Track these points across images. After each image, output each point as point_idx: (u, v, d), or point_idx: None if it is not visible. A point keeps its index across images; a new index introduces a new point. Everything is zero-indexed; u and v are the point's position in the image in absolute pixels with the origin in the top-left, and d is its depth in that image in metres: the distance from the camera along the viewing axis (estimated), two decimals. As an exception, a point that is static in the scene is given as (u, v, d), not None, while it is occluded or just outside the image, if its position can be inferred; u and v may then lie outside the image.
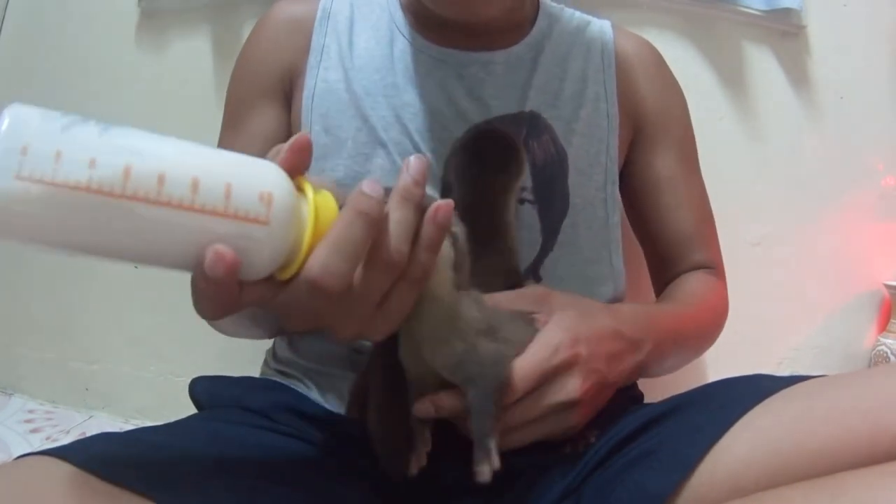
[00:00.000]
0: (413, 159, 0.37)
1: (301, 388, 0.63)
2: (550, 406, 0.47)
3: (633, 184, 0.73)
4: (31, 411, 1.02)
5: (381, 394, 0.51)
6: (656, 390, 0.64)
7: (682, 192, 0.72)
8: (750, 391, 0.47)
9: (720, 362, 0.96)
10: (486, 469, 0.42)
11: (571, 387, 0.48)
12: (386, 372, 0.51)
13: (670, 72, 0.76)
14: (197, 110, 0.97)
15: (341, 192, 0.38)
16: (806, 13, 0.93)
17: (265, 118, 0.67)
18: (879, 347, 0.94)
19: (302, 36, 0.67)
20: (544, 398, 0.47)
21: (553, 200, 0.65)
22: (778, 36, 0.95)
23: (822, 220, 0.97)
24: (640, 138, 0.72)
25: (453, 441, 0.47)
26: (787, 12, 0.92)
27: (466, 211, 0.53)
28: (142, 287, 1.02)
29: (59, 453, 0.41)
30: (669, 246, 0.72)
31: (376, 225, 0.35)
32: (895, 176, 0.97)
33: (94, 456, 0.41)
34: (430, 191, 0.62)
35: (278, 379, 0.65)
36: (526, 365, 0.46)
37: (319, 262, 0.34)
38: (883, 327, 0.96)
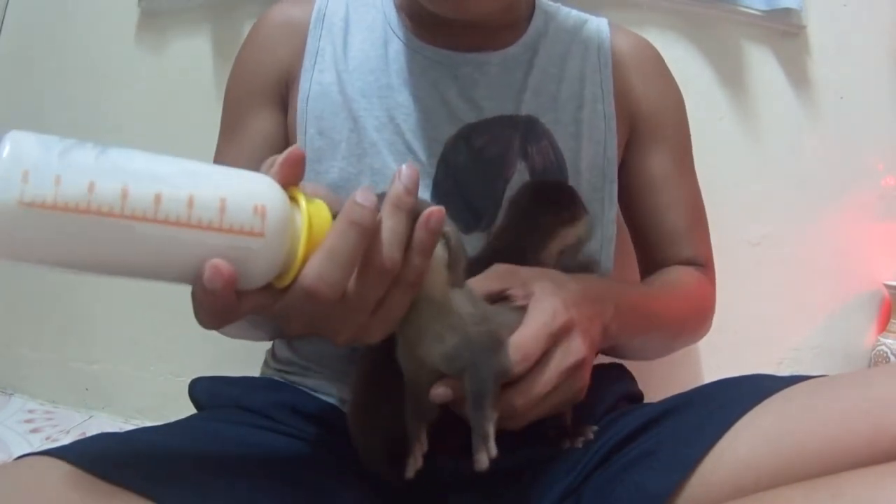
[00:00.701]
0: (405, 168, 0.38)
1: (301, 386, 0.63)
2: (564, 371, 0.47)
3: (626, 181, 0.73)
4: (31, 411, 1.02)
5: (362, 395, 0.52)
6: (656, 390, 0.64)
7: (676, 191, 0.72)
8: (750, 391, 0.47)
9: (720, 362, 0.97)
10: (483, 457, 0.42)
11: (576, 347, 0.48)
12: (368, 376, 0.53)
13: (668, 70, 0.75)
14: (197, 110, 0.97)
15: (335, 199, 0.39)
16: (806, 13, 0.93)
17: (262, 121, 0.67)
18: (879, 347, 0.94)
19: (297, 39, 0.67)
20: (558, 365, 0.47)
21: None
22: (778, 36, 0.95)
23: (822, 220, 0.97)
24: (636, 136, 0.72)
25: (450, 438, 0.47)
26: (787, 12, 0.92)
27: (508, 247, 0.57)
28: (142, 287, 1.00)
29: (59, 453, 0.41)
30: (660, 243, 0.72)
31: (369, 234, 0.36)
32: (895, 176, 0.97)
33: (94, 456, 0.41)
34: (424, 193, 0.62)
35: (278, 378, 0.65)
36: (530, 332, 0.46)
37: (314, 271, 0.35)
38: (883, 327, 0.96)
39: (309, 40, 0.67)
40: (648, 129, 0.72)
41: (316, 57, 0.66)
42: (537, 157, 0.65)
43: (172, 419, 0.55)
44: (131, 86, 1.01)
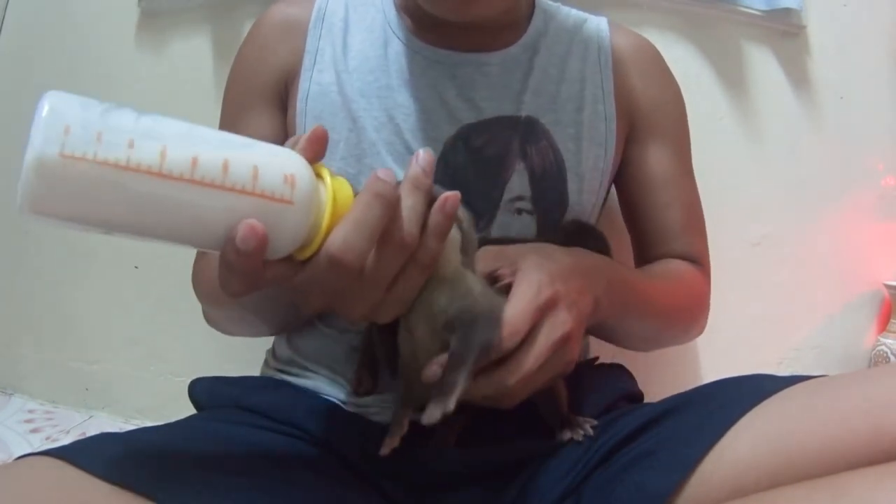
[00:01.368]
0: (422, 152, 0.40)
1: (301, 385, 0.63)
2: (553, 344, 0.47)
3: (625, 179, 0.73)
4: (31, 411, 1.02)
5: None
6: (656, 390, 0.64)
7: (674, 189, 0.72)
8: (750, 391, 0.47)
9: (720, 362, 0.97)
10: (436, 411, 0.41)
11: (562, 320, 0.48)
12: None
13: (667, 69, 0.75)
14: (197, 110, 0.97)
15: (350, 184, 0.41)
16: (806, 13, 0.93)
17: (262, 121, 0.67)
18: (879, 347, 0.94)
19: (297, 38, 0.67)
20: (546, 339, 0.47)
21: (551, 209, 0.65)
22: (778, 36, 0.95)
23: (822, 220, 0.97)
24: (634, 134, 0.72)
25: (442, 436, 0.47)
26: (787, 12, 0.92)
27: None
28: (142, 287, 1.02)
29: (59, 453, 0.41)
30: (656, 240, 0.72)
31: (391, 207, 0.37)
32: (895, 176, 0.97)
33: (93, 456, 0.41)
34: None
35: (279, 378, 0.65)
36: (517, 308, 0.46)
37: (340, 238, 0.37)
38: (883, 327, 0.96)
39: (309, 40, 0.67)
40: (647, 127, 0.72)
41: (315, 57, 0.66)
42: (536, 158, 0.65)
43: (172, 419, 0.55)
44: (131, 86, 1.01)
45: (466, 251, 0.45)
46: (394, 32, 0.67)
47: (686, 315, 0.70)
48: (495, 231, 0.63)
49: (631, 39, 0.74)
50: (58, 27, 1.04)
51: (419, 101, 0.64)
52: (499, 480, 0.54)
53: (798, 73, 0.96)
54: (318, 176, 0.39)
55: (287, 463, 0.52)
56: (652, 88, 0.72)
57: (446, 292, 0.44)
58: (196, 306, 0.67)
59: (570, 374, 0.52)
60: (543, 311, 0.48)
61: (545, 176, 0.65)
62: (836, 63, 0.96)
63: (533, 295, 0.47)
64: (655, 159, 0.72)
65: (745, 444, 0.44)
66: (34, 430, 0.96)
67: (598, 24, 0.73)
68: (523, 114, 0.65)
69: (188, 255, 0.68)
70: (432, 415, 0.41)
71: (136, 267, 1.02)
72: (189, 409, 0.62)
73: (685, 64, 0.93)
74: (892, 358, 0.92)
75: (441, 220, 0.40)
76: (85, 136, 0.31)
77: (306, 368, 0.64)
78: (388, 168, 0.38)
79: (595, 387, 0.61)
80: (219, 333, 0.70)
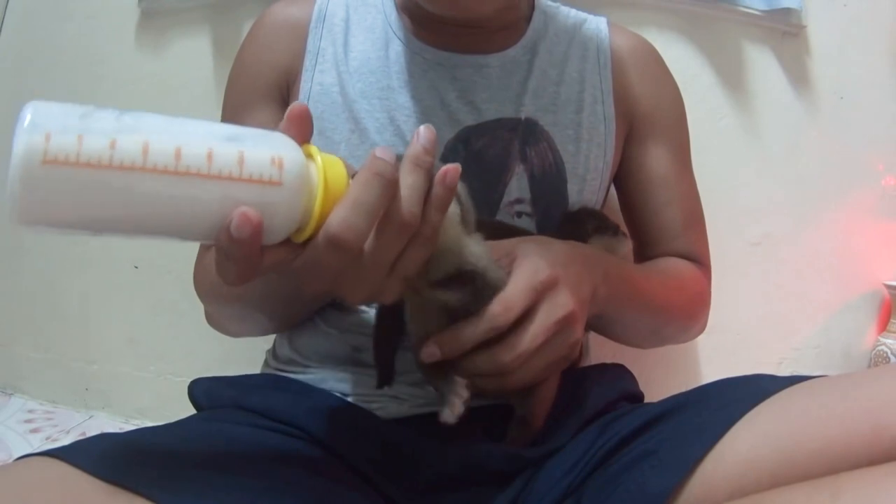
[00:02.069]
0: (423, 129, 0.39)
1: (303, 377, 0.63)
2: (552, 325, 0.48)
3: (624, 179, 0.73)
4: (31, 411, 1.02)
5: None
6: (656, 390, 0.64)
7: (674, 188, 0.72)
8: (750, 391, 0.47)
9: (720, 362, 0.97)
10: (451, 410, 0.42)
11: (563, 300, 0.48)
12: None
13: (666, 69, 0.75)
14: (197, 110, 0.97)
15: (348, 165, 0.40)
16: (806, 13, 0.93)
17: (262, 121, 0.66)
18: (879, 347, 0.94)
19: (297, 39, 0.67)
20: (544, 319, 0.48)
21: (551, 211, 0.65)
22: (778, 36, 0.95)
23: (822, 220, 0.97)
24: (634, 133, 0.72)
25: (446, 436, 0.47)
26: (787, 12, 0.92)
27: None
28: (142, 287, 1.02)
29: (60, 454, 0.41)
30: (656, 240, 0.72)
31: (391, 187, 0.37)
32: (895, 176, 0.97)
33: (94, 456, 0.41)
34: None
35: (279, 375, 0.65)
36: (514, 284, 0.47)
37: (339, 218, 0.36)
38: (883, 327, 0.96)
39: (309, 40, 0.67)
40: (647, 127, 0.72)
41: (317, 57, 0.66)
42: (536, 160, 0.65)
43: (172, 419, 0.55)
44: (131, 86, 1.01)
45: (465, 221, 0.45)
46: (394, 33, 0.67)
47: (686, 311, 0.70)
48: None
49: (630, 40, 0.74)
50: (57, 27, 1.04)
51: (420, 102, 0.64)
52: (499, 481, 0.54)
53: (798, 73, 0.96)
54: (309, 156, 0.38)
55: (287, 463, 0.52)
56: (651, 88, 0.72)
57: (451, 261, 0.44)
58: (196, 306, 0.67)
59: (569, 374, 0.51)
60: (542, 292, 0.48)
61: (545, 178, 0.65)
62: (836, 63, 0.96)
63: (531, 274, 0.48)
64: (655, 159, 0.72)
65: (745, 443, 0.44)
66: (34, 430, 0.96)
67: (597, 24, 0.73)
68: (523, 116, 0.65)
69: (188, 255, 0.68)
70: (453, 409, 0.42)
71: (135, 267, 1.02)
72: (189, 410, 0.61)
73: (685, 64, 0.93)
74: (892, 358, 0.92)
75: (442, 192, 0.39)
76: (66, 140, 0.31)
77: (307, 367, 0.64)
78: (387, 147, 0.38)
79: (595, 386, 0.61)
80: (219, 334, 0.70)
